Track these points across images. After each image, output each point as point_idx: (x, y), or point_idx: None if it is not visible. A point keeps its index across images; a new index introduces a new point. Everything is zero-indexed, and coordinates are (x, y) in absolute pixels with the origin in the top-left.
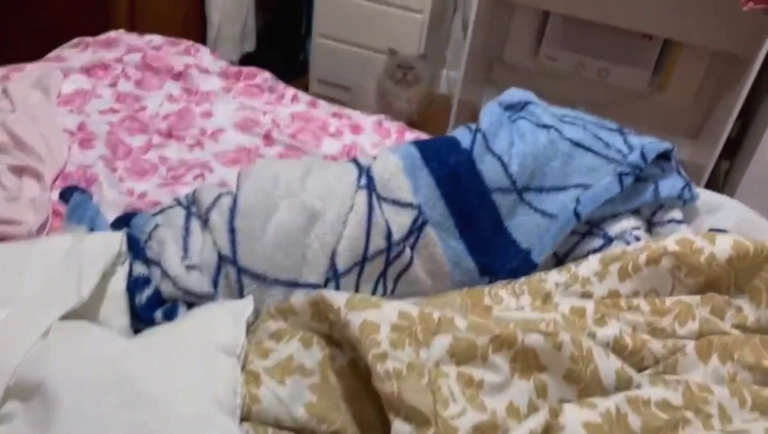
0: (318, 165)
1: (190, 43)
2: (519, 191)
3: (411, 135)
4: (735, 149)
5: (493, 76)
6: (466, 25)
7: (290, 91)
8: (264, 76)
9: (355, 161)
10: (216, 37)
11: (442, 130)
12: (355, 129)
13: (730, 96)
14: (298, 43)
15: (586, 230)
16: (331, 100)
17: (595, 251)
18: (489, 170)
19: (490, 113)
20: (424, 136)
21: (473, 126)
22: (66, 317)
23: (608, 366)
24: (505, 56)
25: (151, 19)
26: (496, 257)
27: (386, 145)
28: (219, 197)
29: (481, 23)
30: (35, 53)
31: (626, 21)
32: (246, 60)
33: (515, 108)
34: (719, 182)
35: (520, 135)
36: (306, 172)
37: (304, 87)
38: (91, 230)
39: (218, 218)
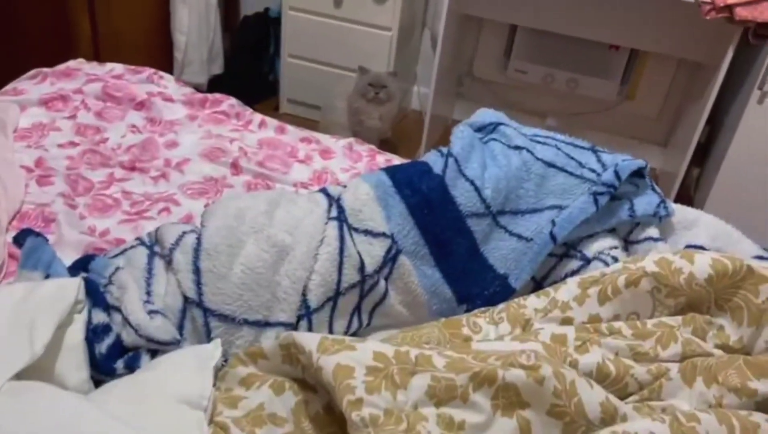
0: (286, 198)
1: (152, 70)
2: (494, 215)
3: (382, 158)
4: (705, 155)
5: (463, 91)
6: (435, 41)
7: (257, 117)
8: (230, 102)
9: (324, 191)
10: (183, 60)
11: (415, 145)
12: (325, 154)
13: (698, 103)
14: (268, 64)
15: (563, 252)
16: (302, 120)
17: (573, 273)
18: (462, 195)
19: (461, 135)
20: (396, 159)
21: (444, 150)
22: (19, 375)
23: (592, 398)
24: (475, 71)
25: (115, 44)
26: (474, 284)
27: (357, 169)
28: (183, 235)
29: (450, 39)
30: None
31: (593, 33)
32: (215, 82)
33: (486, 129)
34: (691, 188)
35: (492, 158)
36: (273, 205)
37: (275, 107)
38: (47, 276)
39: (182, 259)
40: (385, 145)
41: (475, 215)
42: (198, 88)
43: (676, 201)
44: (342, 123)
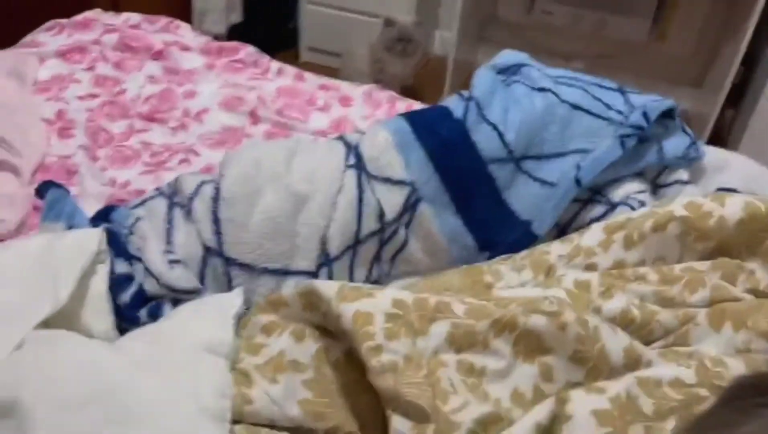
0: (303, 146)
1: (169, 19)
2: (516, 160)
3: (402, 105)
4: (739, 96)
5: (487, 34)
6: None
7: (275, 64)
8: (247, 51)
9: (342, 138)
10: (201, 8)
11: (438, 91)
12: (344, 101)
13: (733, 41)
14: (287, 11)
15: (588, 197)
16: (323, 68)
17: (598, 218)
18: (484, 140)
19: (482, 78)
20: (416, 105)
21: (466, 94)
22: (45, 323)
23: (616, 344)
24: (499, 13)
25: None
26: (496, 230)
27: (377, 117)
28: (201, 185)
29: None
30: (8, 39)
31: None
32: (234, 31)
33: (509, 71)
34: (724, 130)
35: (515, 101)
36: (291, 154)
37: (295, 56)
38: (70, 227)
39: (201, 208)
40: (407, 92)
41: (497, 160)
42: (217, 38)
43: (709, 143)
44: (363, 70)
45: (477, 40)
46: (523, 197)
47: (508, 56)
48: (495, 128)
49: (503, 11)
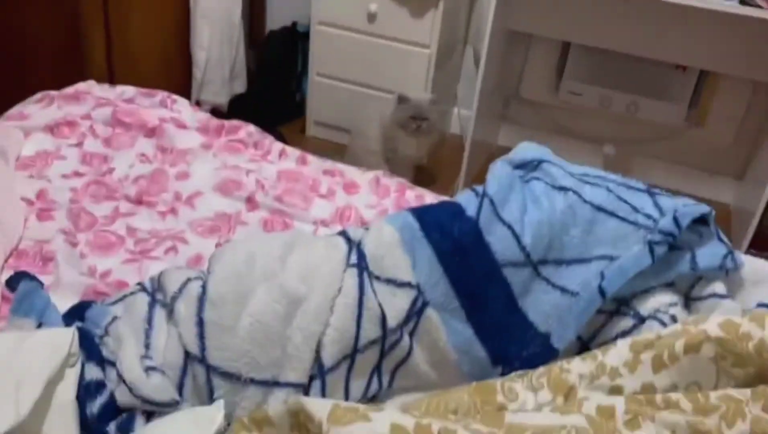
0: (302, 241)
1: (166, 93)
2: (534, 264)
3: (412, 194)
4: None
5: (509, 114)
6: (478, 59)
7: (277, 146)
8: (248, 130)
9: (344, 234)
10: (203, 78)
11: (454, 173)
12: (350, 188)
13: None
14: (294, 83)
15: (614, 309)
16: (330, 144)
17: (624, 333)
18: (499, 241)
19: (498, 173)
20: (428, 195)
21: (479, 189)
22: None
23: None
24: (522, 92)
25: (131, 62)
26: (511, 342)
27: (384, 206)
28: (187, 282)
29: (495, 57)
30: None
31: (657, 51)
32: (237, 102)
33: (528, 167)
34: None
35: (533, 199)
36: (288, 249)
37: (301, 129)
38: (40, 325)
39: (185, 310)
40: (421, 174)
41: (512, 264)
42: (218, 109)
43: (752, 244)
44: (373, 149)
45: (498, 120)
46: (542, 306)
47: (526, 150)
48: (511, 228)
49: (526, 90)
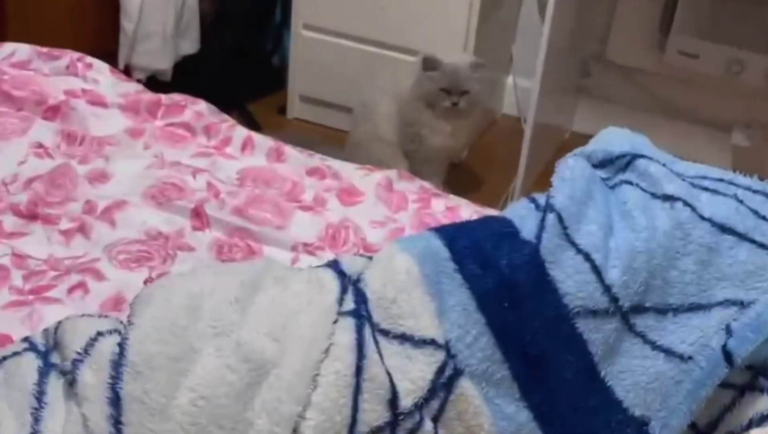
0: (271, 277)
1: (76, 55)
2: (624, 313)
3: (441, 203)
4: None
5: (590, 85)
6: (543, 4)
7: (240, 133)
8: (198, 109)
9: (335, 266)
10: (135, 32)
11: (508, 173)
12: (348, 195)
13: None
14: (270, 40)
15: (747, 382)
16: (323, 129)
17: (763, 417)
18: (570, 277)
19: (571, 175)
20: (464, 209)
21: (542, 199)
22: None
23: None
24: (609, 53)
25: (25, 8)
26: (587, 429)
27: (398, 222)
28: (97, 338)
29: (569, 1)
30: None
31: None
32: (185, 68)
33: (615, 165)
34: None
35: (624, 214)
36: (250, 290)
37: (280, 109)
38: None
39: (93, 378)
40: (457, 174)
41: (591, 312)
42: (158, 77)
43: None
44: (386, 137)
45: (573, 95)
46: (636, 377)
47: (613, 140)
48: (588, 258)
49: (616, 51)
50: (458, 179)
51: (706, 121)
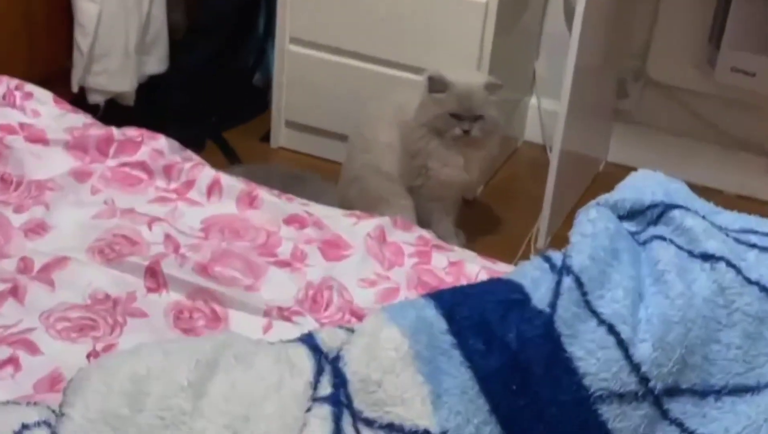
0: (231, 354)
1: (13, 82)
2: (656, 397)
3: (443, 258)
4: None
5: (628, 108)
6: (572, 12)
7: (206, 174)
8: (156, 146)
9: (309, 340)
10: (91, 49)
11: (529, 214)
12: (332, 248)
13: None
14: (252, 56)
15: None
16: (313, 161)
17: None
18: (591, 354)
19: (591, 229)
20: (470, 264)
21: (558, 258)
22: None
23: None
24: (649, 70)
25: None
26: None
27: (391, 280)
28: (21, 432)
29: (603, 10)
30: None
31: None
32: (151, 90)
33: (645, 216)
34: None
35: (656, 278)
36: (206, 371)
37: (262, 136)
38: None
39: None
40: (471, 213)
41: (617, 396)
42: (117, 102)
43: None
44: (387, 170)
45: (608, 118)
46: None
47: (643, 185)
48: (613, 331)
49: (657, 67)
50: (473, 219)
51: (764, 150)
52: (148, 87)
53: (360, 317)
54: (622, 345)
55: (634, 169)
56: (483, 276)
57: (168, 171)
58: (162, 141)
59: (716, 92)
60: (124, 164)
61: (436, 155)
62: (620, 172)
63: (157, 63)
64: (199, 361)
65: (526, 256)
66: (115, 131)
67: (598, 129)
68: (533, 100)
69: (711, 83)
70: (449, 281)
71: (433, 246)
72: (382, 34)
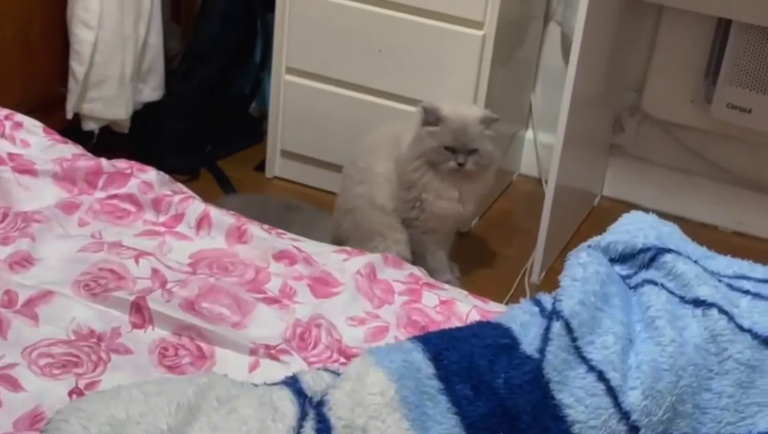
0: (214, 396)
1: (3, 112)
2: None
3: (434, 297)
4: None
5: (623, 143)
6: (569, 45)
7: (196, 207)
8: (144, 178)
9: (293, 383)
10: (87, 76)
11: (524, 247)
12: (322, 285)
13: None
14: (249, 85)
15: None
16: (309, 190)
17: None
18: (580, 402)
19: (581, 273)
20: (460, 304)
21: (547, 301)
22: None
23: None
24: (645, 104)
25: None
26: None
27: (381, 319)
28: None
29: (599, 41)
30: None
31: None
32: (147, 118)
33: (637, 260)
34: None
35: (647, 324)
36: (187, 414)
37: (257, 165)
38: None
39: None
40: (466, 246)
41: None
42: (112, 129)
43: None
44: (382, 203)
45: (604, 152)
46: None
47: (635, 227)
48: (602, 378)
49: (653, 102)
50: (467, 252)
51: (759, 186)
52: (144, 115)
53: (349, 356)
54: (612, 392)
55: (630, 203)
56: (474, 316)
57: (157, 204)
58: (152, 173)
59: (712, 128)
60: (113, 196)
61: (430, 187)
62: (616, 206)
63: (152, 91)
64: (180, 404)
65: (520, 290)
66: (104, 162)
67: (594, 163)
68: (529, 134)
69: (707, 119)
70: (439, 320)
71: (424, 284)
72: (378, 65)
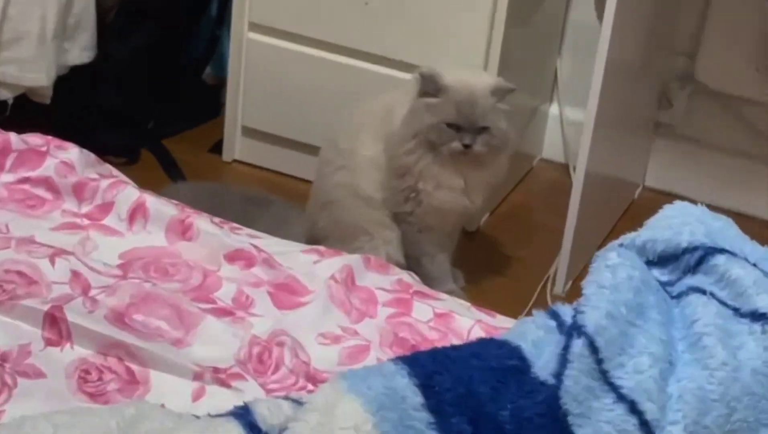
0: (142, 431)
1: None
2: None
3: (428, 309)
4: None
5: (670, 121)
6: (602, 6)
7: (128, 194)
8: (64, 158)
9: (244, 415)
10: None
11: (544, 253)
12: (287, 292)
13: None
14: (202, 46)
15: None
16: (276, 178)
17: None
18: None
19: (612, 279)
20: (461, 318)
21: (566, 313)
22: None
23: None
24: (699, 73)
25: None
26: None
27: (360, 335)
28: None
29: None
30: None
31: None
32: (74, 85)
33: (682, 262)
34: None
35: (692, 342)
36: None
37: (213, 146)
38: None
39: None
40: (474, 248)
41: None
42: (28, 99)
43: None
44: (368, 193)
45: (647, 132)
46: None
47: (679, 221)
48: (635, 410)
49: (707, 71)
50: (475, 255)
51: None
52: (70, 81)
53: (318, 382)
54: (647, 427)
55: (678, 196)
56: (478, 333)
57: (79, 190)
58: (73, 152)
59: None
60: (24, 180)
61: (428, 174)
62: (660, 199)
63: (81, 51)
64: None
65: (540, 304)
66: (13, 137)
67: (634, 146)
68: (554, 108)
69: None
70: (434, 338)
71: (415, 293)
72: (365, 20)
